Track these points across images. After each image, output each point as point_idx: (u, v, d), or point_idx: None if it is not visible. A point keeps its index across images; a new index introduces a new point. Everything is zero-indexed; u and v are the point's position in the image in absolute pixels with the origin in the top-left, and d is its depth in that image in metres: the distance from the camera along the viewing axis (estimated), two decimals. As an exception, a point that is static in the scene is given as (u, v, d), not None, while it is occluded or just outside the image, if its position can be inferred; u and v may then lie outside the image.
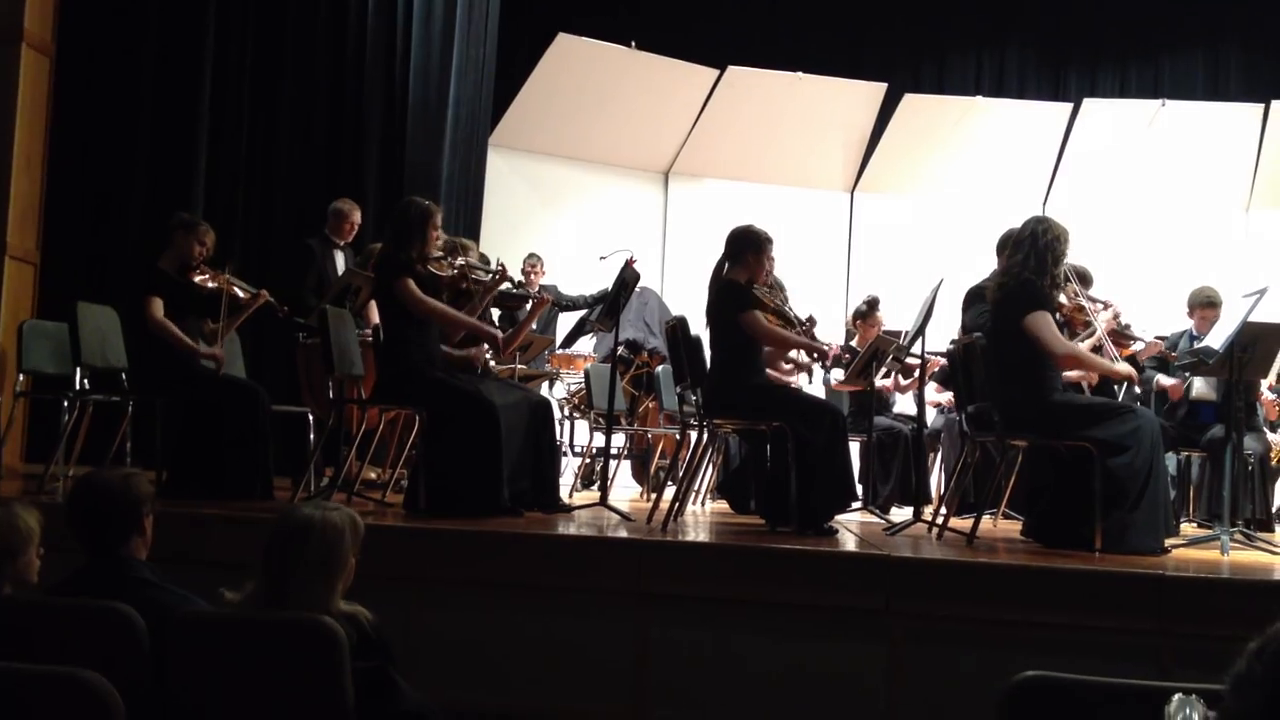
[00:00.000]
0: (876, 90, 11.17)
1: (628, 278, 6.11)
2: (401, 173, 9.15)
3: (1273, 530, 8.13)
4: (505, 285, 6.27)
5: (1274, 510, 8.48)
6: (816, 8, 11.62)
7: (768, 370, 6.44)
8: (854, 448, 8.71)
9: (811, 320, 6.27)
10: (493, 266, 6.21)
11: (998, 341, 5.49)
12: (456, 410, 5.48)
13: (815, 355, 6.46)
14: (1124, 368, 5.66)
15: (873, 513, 6.91)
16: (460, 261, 6.02)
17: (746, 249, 5.88)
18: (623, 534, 5.10)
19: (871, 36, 11.72)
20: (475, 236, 9.13)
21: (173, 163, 8.45)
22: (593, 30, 10.56)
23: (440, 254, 5.92)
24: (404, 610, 4.41)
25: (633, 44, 10.61)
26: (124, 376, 6.48)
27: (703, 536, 5.42)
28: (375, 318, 6.12)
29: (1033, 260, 5.37)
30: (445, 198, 9.07)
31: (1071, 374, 6.03)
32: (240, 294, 6.27)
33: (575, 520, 5.62)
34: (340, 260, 7.63)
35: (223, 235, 6.82)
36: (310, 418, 6.84)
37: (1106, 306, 6.32)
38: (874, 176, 11.37)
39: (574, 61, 10.52)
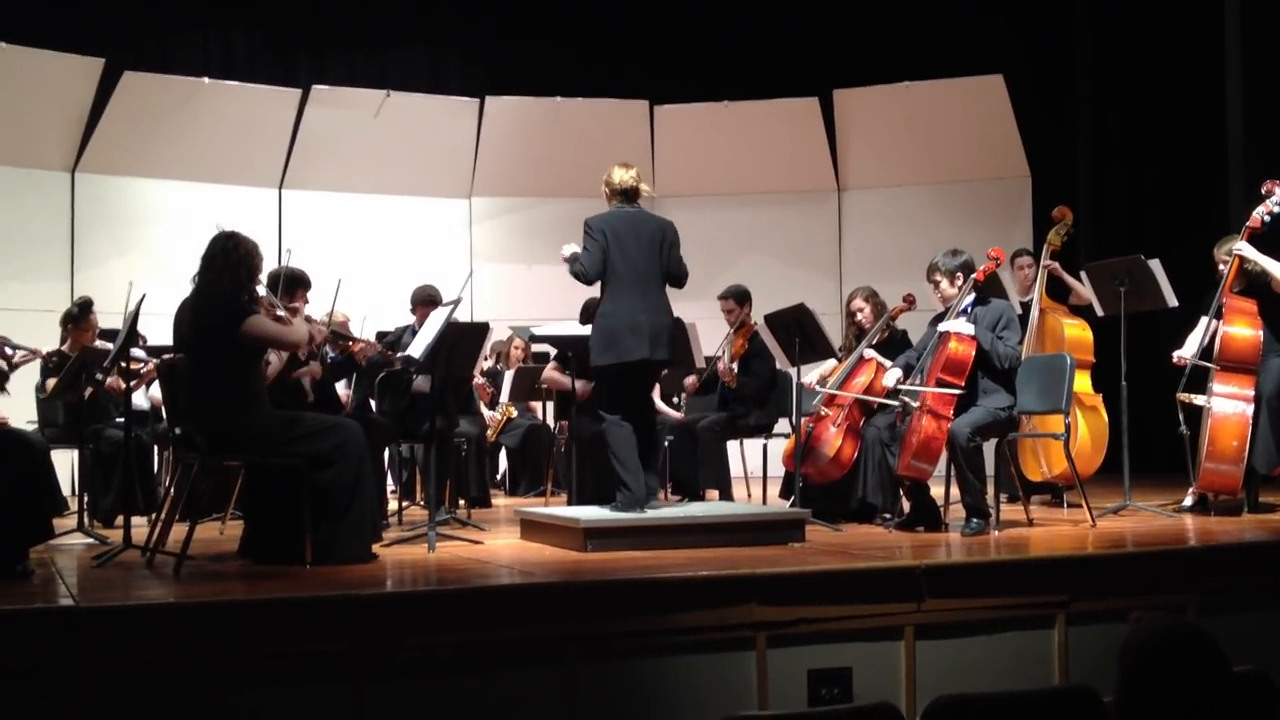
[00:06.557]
0: (94, 65, 10.48)
1: None
2: None
3: (489, 505, 8.80)
4: None
5: (490, 488, 9.20)
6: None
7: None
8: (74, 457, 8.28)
9: None
10: None
11: (203, 362, 5.35)
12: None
13: None
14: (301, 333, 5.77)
15: (86, 533, 6.48)
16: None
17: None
18: None
19: (89, 5, 10.89)
20: None
21: None
22: None
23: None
24: None
25: None
26: None
27: None
28: None
29: (227, 277, 5.34)
30: None
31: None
32: None
33: None
34: None
35: None
36: None
37: (296, 313, 6.35)
38: (96, 156, 10.67)
39: None
